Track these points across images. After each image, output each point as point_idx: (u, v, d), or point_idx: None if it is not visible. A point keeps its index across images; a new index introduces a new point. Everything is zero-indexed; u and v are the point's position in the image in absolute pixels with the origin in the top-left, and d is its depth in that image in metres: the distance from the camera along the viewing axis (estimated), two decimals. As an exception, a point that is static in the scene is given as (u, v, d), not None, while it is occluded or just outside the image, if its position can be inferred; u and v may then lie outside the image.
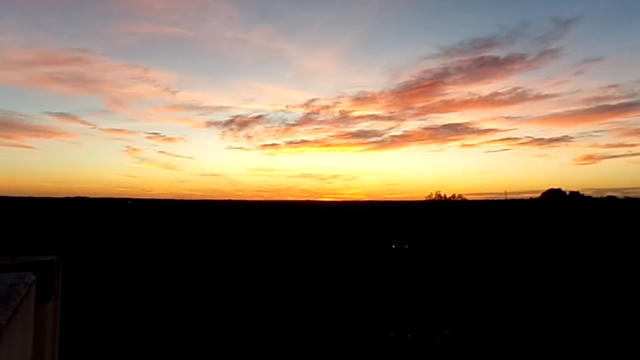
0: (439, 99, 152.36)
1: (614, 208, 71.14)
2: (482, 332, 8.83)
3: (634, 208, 68.08)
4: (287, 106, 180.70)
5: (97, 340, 8.37)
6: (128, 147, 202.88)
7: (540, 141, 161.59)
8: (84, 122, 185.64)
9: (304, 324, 9.38)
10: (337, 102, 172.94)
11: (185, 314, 9.96)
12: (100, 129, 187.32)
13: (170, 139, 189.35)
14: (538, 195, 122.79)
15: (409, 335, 8.63)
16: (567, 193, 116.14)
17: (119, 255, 19.03)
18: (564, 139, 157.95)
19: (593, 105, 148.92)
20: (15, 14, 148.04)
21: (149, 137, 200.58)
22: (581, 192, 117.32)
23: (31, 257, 1.74)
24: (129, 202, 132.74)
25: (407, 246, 23.26)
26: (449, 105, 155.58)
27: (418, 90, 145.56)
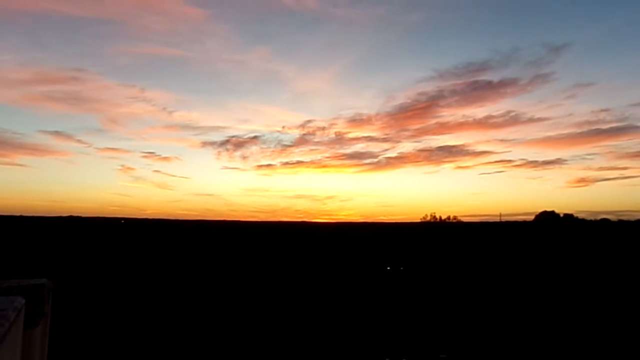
0: (433, 121, 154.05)
1: (608, 230, 71.36)
2: (478, 357, 8.72)
3: (627, 230, 68.31)
4: (283, 127, 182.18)
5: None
6: (123, 166, 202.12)
7: (534, 163, 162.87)
8: (79, 141, 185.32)
9: (297, 347, 9.22)
10: (333, 124, 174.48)
11: (179, 337, 9.77)
12: (96, 148, 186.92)
13: (165, 158, 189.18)
14: (532, 217, 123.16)
15: (404, 359, 8.50)
16: (561, 215, 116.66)
17: (112, 277, 18.76)
18: (558, 161, 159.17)
19: (585, 128, 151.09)
20: (13, 33, 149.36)
21: (145, 157, 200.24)
22: (575, 215, 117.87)
23: (21, 280, 1.72)
24: (123, 221, 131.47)
25: (402, 268, 23.11)
26: (444, 128, 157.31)
27: (413, 113, 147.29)
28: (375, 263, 25.48)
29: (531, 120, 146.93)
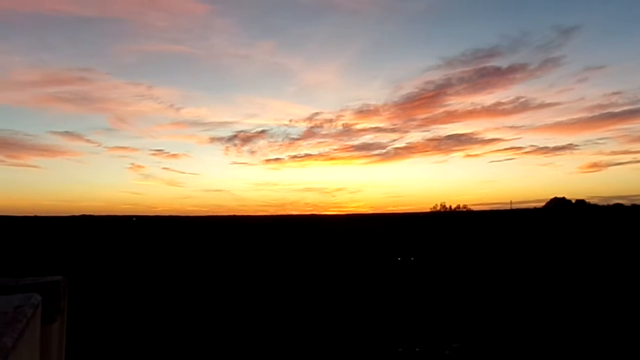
0: (442, 109, 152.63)
1: (621, 216, 70.48)
2: (491, 345, 8.70)
3: (640, 215, 67.27)
4: (290, 120, 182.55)
5: None
6: (132, 164, 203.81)
7: (544, 150, 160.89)
8: (88, 141, 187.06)
9: (311, 338, 9.28)
10: (340, 116, 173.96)
11: (192, 330, 9.88)
12: (105, 147, 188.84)
13: (174, 155, 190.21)
14: (543, 204, 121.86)
15: (417, 349, 8.51)
16: (573, 201, 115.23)
17: (125, 273, 18.99)
18: (569, 147, 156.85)
19: (597, 112, 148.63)
20: (22, 36, 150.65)
21: (153, 154, 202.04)
22: (587, 200, 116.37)
23: (37, 277, 1.74)
24: (134, 219, 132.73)
25: (413, 258, 23.07)
26: (452, 116, 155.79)
27: (421, 102, 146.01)
28: (386, 254, 25.46)
29: (541, 105, 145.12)
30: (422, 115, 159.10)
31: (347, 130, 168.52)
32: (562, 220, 64.39)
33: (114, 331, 9.86)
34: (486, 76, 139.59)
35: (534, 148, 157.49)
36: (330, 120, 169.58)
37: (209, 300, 13.18)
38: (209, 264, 22.08)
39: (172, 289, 15.00)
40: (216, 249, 31.07)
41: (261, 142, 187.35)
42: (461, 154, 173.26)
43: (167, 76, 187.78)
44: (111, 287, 15.32)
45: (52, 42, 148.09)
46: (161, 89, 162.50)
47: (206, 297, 13.65)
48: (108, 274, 18.34)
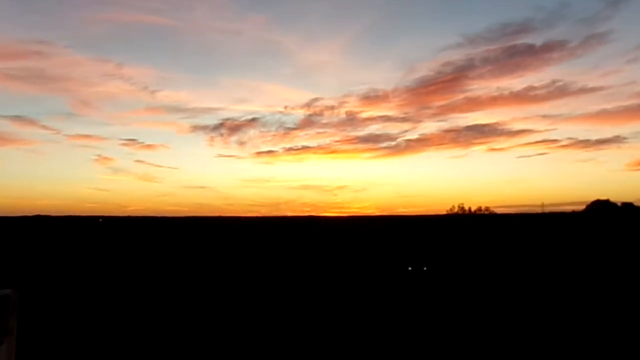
0: (462, 96, 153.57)
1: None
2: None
3: (693, 220, 67.47)
4: (285, 107, 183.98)
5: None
6: (99, 155, 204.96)
7: (585, 143, 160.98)
8: (45, 127, 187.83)
9: (305, 362, 9.33)
10: (343, 102, 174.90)
11: (166, 354, 9.93)
12: (65, 135, 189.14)
13: (149, 146, 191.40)
14: (583, 207, 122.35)
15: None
16: (619, 204, 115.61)
17: (89, 285, 19.04)
18: (615, 140, 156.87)
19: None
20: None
21: (124, 144, 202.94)
22: (636, 204, 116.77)
23: (-18, 292, 1.75)
24: (101, 220, 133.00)
25: (425, 268, 23.19)
26: (474, 104, 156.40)
27: (437, 87, 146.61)
28: (395, 263, 25.58)
29: (582, 90, 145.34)
30: (438, 102, 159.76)
31: (351, 119, 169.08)
32: (606, 226, 64.64)
33: (72, 355, 9.90)
34: (516, 56, 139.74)
35: (573, 141, 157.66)
36: (332, 108, 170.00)
37: (184, 317, 13.24)
38: (189, 273, 22.15)
39: (144, 303, 15.06)
40: (198, 255, 31.16)
41: (252, 132, 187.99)
42: (484, 147, 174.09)
43: (140, 52, 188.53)
44: (71, 302, 15.37)
45: (0, 7, 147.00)
46: (133, 68, 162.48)
47: (182, 313, 13.70)
48: (68, 287, 18.39)
